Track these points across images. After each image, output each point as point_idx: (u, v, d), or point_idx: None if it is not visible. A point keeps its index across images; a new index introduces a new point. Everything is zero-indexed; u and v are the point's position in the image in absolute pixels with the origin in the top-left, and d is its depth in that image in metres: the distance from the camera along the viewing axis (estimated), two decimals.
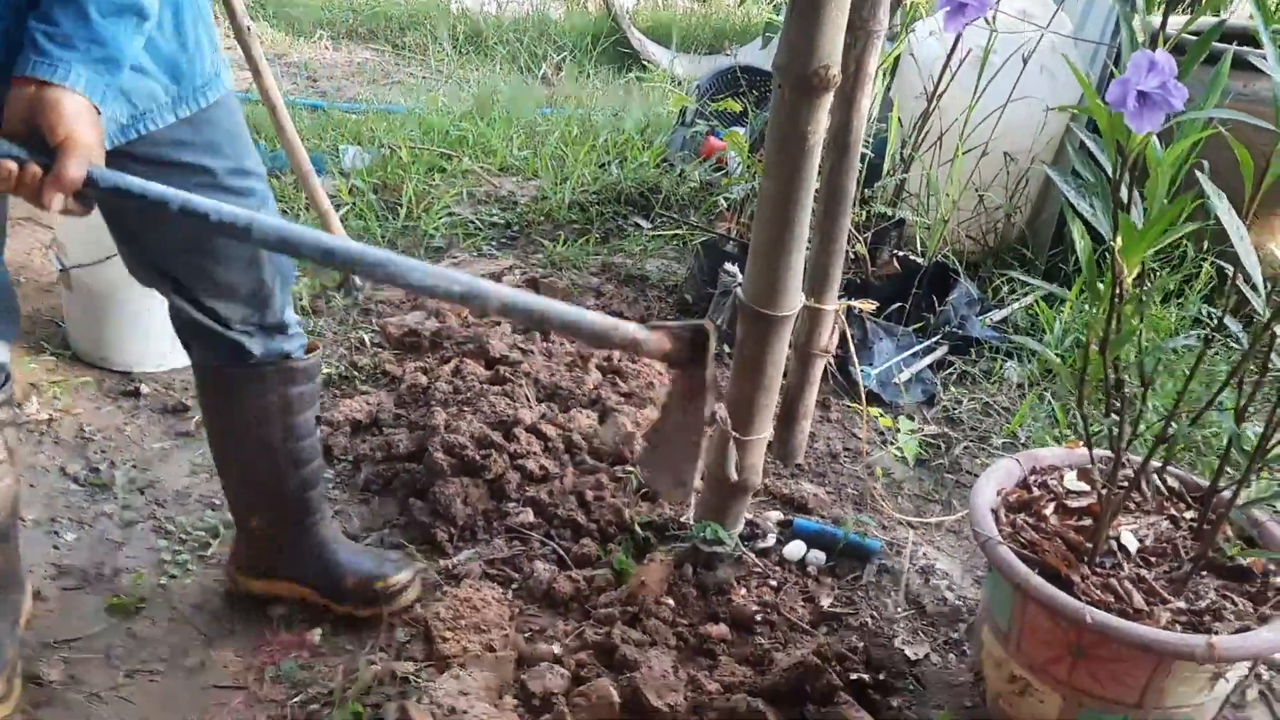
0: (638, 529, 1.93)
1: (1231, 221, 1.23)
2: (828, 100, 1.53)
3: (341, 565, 1.76)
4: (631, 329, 1.29)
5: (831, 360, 2.51)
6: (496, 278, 2.92)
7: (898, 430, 2.29)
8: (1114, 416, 1.40)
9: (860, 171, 2.79)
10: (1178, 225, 1.25)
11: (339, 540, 1.80)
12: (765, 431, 1.81)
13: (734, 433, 1.77)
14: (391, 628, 1.75)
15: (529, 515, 1.98)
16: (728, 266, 2.45)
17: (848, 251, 2.82)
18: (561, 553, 1.91)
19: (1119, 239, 1.20)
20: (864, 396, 2.18)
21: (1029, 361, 2.63)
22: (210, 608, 1.81)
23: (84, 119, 1.16)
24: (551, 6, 5.86)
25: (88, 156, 1.14)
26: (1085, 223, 1.35)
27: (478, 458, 2.06)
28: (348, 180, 3.32)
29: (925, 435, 2.37)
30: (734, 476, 1.79)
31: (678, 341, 1.28)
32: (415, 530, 1.98)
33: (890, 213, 2.85)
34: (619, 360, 2.49)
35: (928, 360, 2.62)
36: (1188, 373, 1.42)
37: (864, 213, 2.82)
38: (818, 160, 1.57)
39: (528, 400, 2.28)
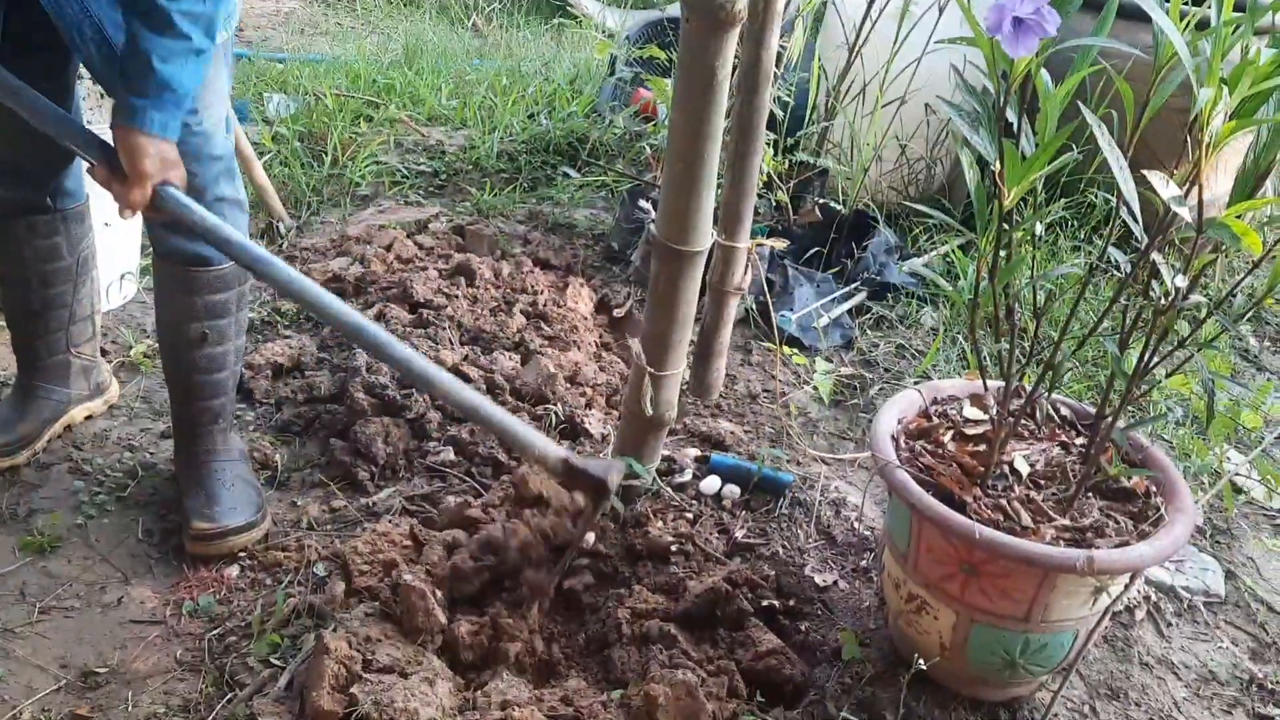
0: None
1: (1112, 151, 1.28)
2: (734, 35, 1.55)
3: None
4: (551, 455, 1.56)
5: (754, 305, 2.56)
6: (423, 225, 2.92)
7: (814, 370, 2.35)
8: (1004, 344, 1.46)
9: (783, 120, 2.84)
10: (1069, 158, 1.30)
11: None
12: (679, 367, 1.84)
13: (649, 368, 1.81)
14: (310, 563, 1.77)
15: (449, 454, 2.00)
16: (642, 203, 2.47)
17: (772, 198, 2.87)
18: (480, 489, 1.94)
19: (1001, 166, 1.25)
20: (779, 337, 2.22)
21: (944, 307, 2.70)
22: (127, 547, 1.81)
23: (150, 154, 1.45)
24: None
25: (149, 183, 1.46)
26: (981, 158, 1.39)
27: (399, 398, 2.08)
28: (271, 128, 3.28)
29: (841, 376, 2.43)
30: (649, 411, 1.82)
31: (578, 485, 1.58)
32: (336, 469, 2.00)
33: (813, 161, 2.90)
34: (543, 305, 2.51)
35: (847, 305, 2.68)
36: (1092, 309, 1.48)
37: (786, 161, 2.86)
38: (726, 95, 1.60)
39: (451, 343, 2.30)
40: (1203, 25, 1.27)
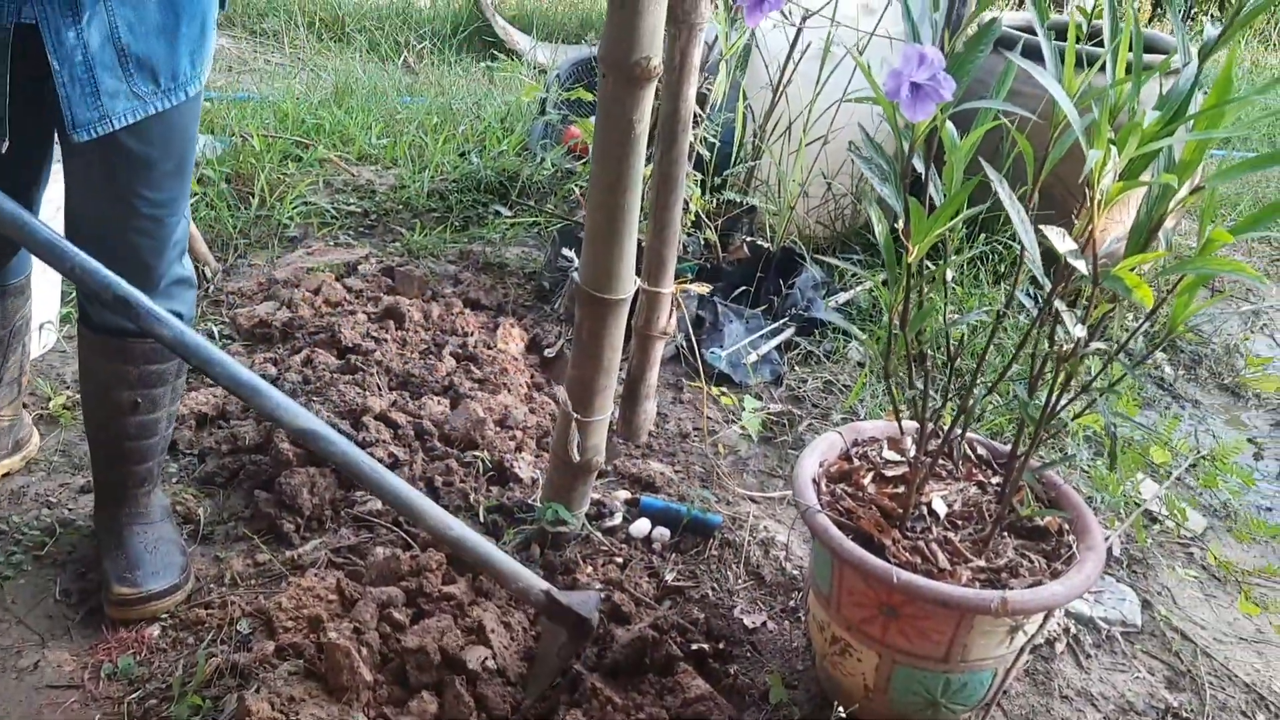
0: (483, 513, 1.96)
1: (1012, 205, 1.32)
2: (651, 90, 1.58)
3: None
4: (533, 590, 1.58)
5: (684, 343, 2.58)
6: (352, 267, 2.90)
7: (743, 408, 2.37)
8: (918, 388, 1.49)
9: (711, 159, 2.88)
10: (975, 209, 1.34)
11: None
12: (606, 412, 1.85)
13: (575, 414, 1.82)
14: (233, 620, 1.74)
15: (377, 503, 1.99)
16: (565, 252, 2.49)
17: (700, 237, 2.90)
18: (409, 540, 1.92)
19: (905, 223, 1.28)
20: (704, 375, 2.26)
21: (869, 342, 2.75)
22: (44, 608, 1.77)
23: None
24: None
25: None
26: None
27: None
28: (198, 170, 3.24)
29: (770, 413, 2.45)
30: (576, 457, 1.83)
31: (559, 620, 1.58)
32: (261, 522, 1.97)
33: (741, 200, 2.94)
34: (474, 347, 2.51)
35: (775, 341, 2.72)
36: (1007, 348, 1.52)
37: (715, 200, 2.90)
38: (644, 148, 1.62)
39: (379, 388, 2.28)
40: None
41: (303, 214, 3.16)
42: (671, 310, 1.90)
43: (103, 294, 1.44)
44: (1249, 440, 2.64)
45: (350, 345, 2.43)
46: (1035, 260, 1.36)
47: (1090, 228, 1.22)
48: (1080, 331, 1.28)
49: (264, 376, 2.35)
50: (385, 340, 2.48)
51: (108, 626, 1.73)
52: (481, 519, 1.96)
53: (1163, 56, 2.96)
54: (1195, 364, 2.98)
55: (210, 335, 2.56)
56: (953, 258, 2.82)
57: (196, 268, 2.82)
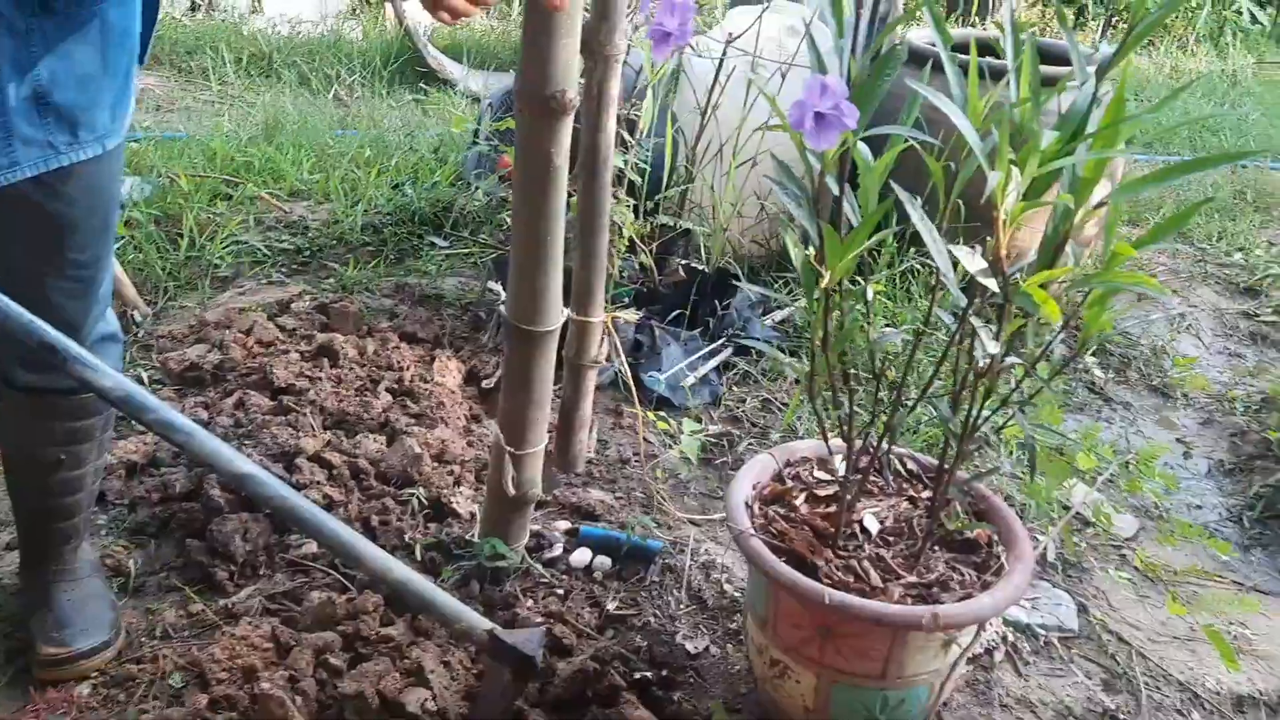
0: (420, 551, 1.94)
1: (924, 225, 1.34)
2: (568, 123, 1.59)
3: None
4: (476, 629, 1.54)
5: (625, 368, 2.58)
6: (285, 305, 2.87)
7: (681, 432, 2.38)
8: (844, 409, 1.51)
9: (642, 184, 2.89)
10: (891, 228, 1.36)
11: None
12: (540, 444, 1.85)
13: (508, 447, 1.81)
14: (165, 674, 1.70)
15: (312, 546, 1.96)
16: (492, 285, 2.49)
17: (635, 261, 2.91)
18: (346, 583, 1.90)
19: (820, 248, 1.30)
20: (638, 400, 2.26)
21: (805, 359, 2.77)
22: None
23: None
24: (348, 26, 5.78)
25: None
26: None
27: None
28: (124, 212, 3.19)
29: (709, 435, 2.46)
30: (512, 491, 1.83)
31: (503, 659, 1.54)
32: (194, 571, 1.94)
33: (674, 224, 2.96)
34: (410, 381, 2.49)
35: (713, 363, 2.73)
36: (931, 364, 1.54)
37: (648, 224, 2.91)
38: (565, 180, 1.63)
39: (313, 428, 2.26)
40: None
41: (234, 253, 3.12)
42: (603, 339, 1.90)
43: (27, 340, 1.39)
44: (1178, 440, 2.70)
45: (283, 385, 2.40)
46: (951, 279, 1.38)
47: (998, 246, 1.24)
48: (994, 348, 1.30)
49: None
50: (319, 379, 2.46)
51: (35, 688, 1.69)
52: (419, 558, 1.94)
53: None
54: (1125, 366, 3.04)
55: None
56: (884, 272, 2.86)
57: (125, 312, 2.79)
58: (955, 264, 1.29)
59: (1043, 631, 1.94)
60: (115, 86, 1.48)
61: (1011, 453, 2.35)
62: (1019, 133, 1.27)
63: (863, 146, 1.39)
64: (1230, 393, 2.92)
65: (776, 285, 3.09)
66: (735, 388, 2.70)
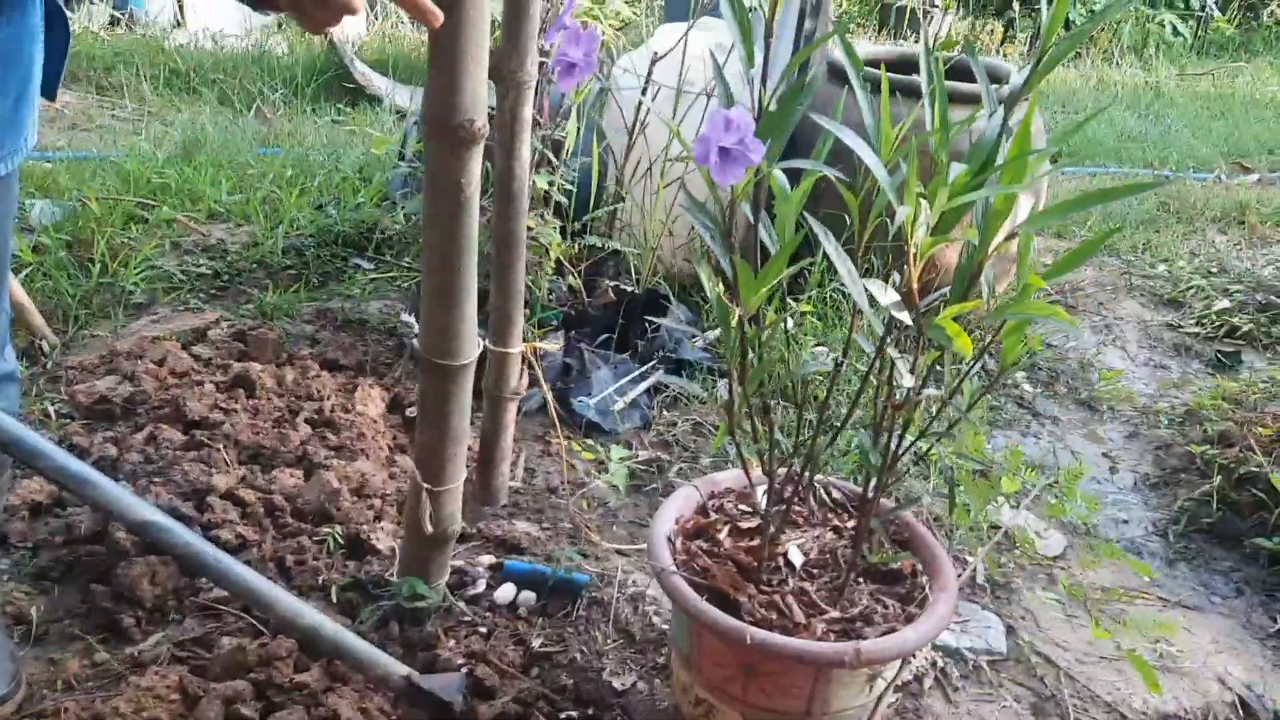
0: (336, 593, 1.88)
1: (839, 257, 1.32)
2: (478, 151, 1.54)
3: None
4: (393, 675, 1.55)
5: (549, 396, 2.54)
6: (201, 333, 2.78)
7: (608, 459, 2.34)
8: (764, 442, 1.48)
9: (569, 205, 2.85)
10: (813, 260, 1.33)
11: None
12: (458, 479, 1.80)
13: (425, 484, 1.76)
14: None
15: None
16: (404, 317, 2.43)
17: (563, 283, 2.87)
18: (259, 628, 1.83)
19: (733, 281, 1.27)
20: (564, 424, 2.21)
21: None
22: None
23: None
24: (274, 42, 5.66)
25: None
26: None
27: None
28: (33, 237, 3.08)
29: (639, 461, 2.43)
30: (429, 528, 1.77)
31: (421, 705, 1.54)
32: (99, 617, 1.85)
33: (603, 244, 2.92)
34: (330, 412, 2.42)
35: (644, 386, 2.70)
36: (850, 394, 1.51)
37: (577, 245, 2.88)
38: (476, 209, 1.58)
39: (226, 464, 2.18)
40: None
41: (148, 279, 3.02)
42: (522, 370, 1.86)
43: None
44: (1105, 454, 2.72)
45: (196, 419, 2.32)
46: (868, 311, 1.36)
47: (910, 280, 1.22)
48: (909, 382, 1.28)
49: (104, 458, 2.23)
50: (235, 410, 2.38)
51: None
52: (335, 599, 1.88)
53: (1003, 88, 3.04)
54: (1053, 380, 3.07)
55: (47, 415, 2.41)
56: (814, 291, 2.85)
57: (33, 342, 2.68)
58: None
59: (971, 655, 1.93)
60: (4, 113, 1.40)
61: (939, 475, 2.34)
62: (933, 164, 1.25)
63: (780, 175, 1.37)
64: (1155, 405, 2.95)
65: (707, 305, 3.06)
66: (666, 411, 2.66)
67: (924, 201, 1.17)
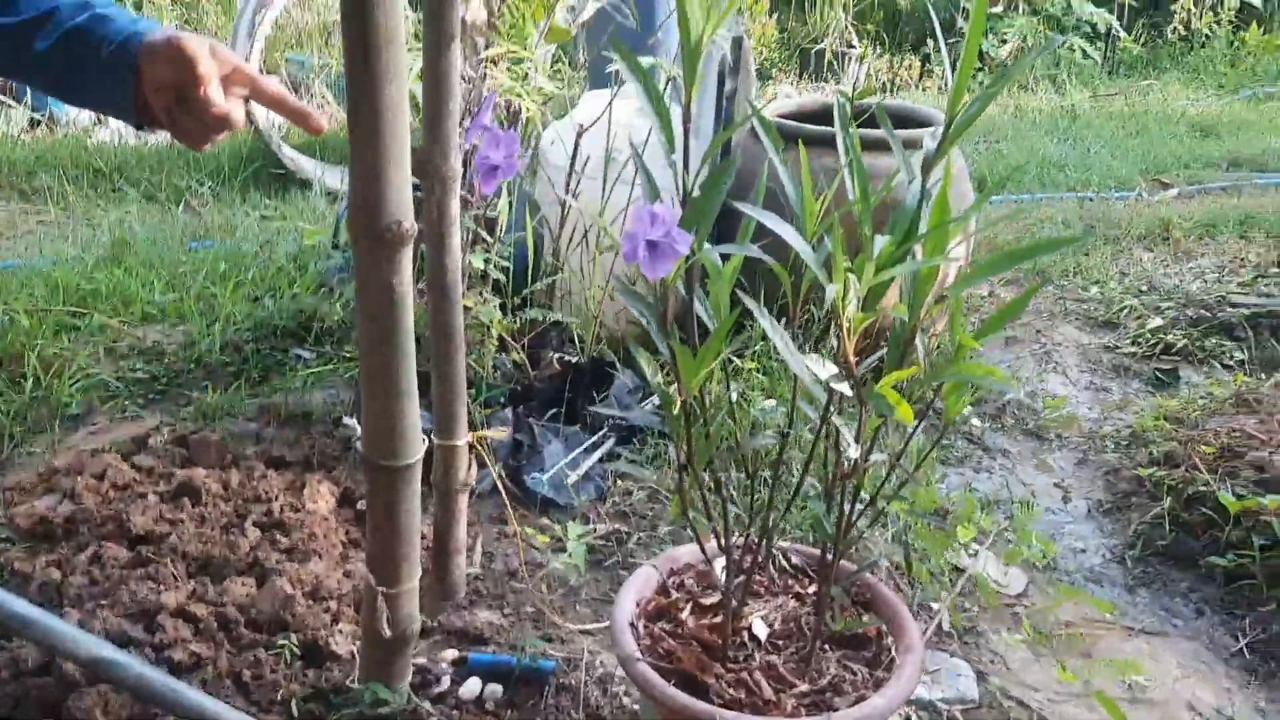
0: (296, 706, 1.83)
1: (775, 331, 1.32)
2: (408, 251, 1.53)
3: None
4: None
5: (499, 481, 2.51)
6: (141, 442, 2.73)
7: (566, 538, 2.32)
8: (718, 521, 1.47)
9: (508, 280, 2.85)
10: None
11: None
12: (414, 579, 1.77)
13: (379, 587, 1.72)
14: None
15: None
16: (347, 420, 2.41)
17: (507, 359, 2.86)
18: None
19: (672, 366, 1.27)
20: (519, 504, 2.19)
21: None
22: None
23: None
24: None
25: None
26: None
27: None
28: None
29: (597, 536, 2.41)
30: (387, 632, 1.73)
31: None
32: None
33: (543, 317, 2.92)
34: (279, 513, 2.37)
35: (596, 456, 2.68)
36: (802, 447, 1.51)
37: (518, 320, 2.87)
38: (410, 306, 1.57)
39: (175, 579, 2.12)
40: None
41: (84, 389, 2.96)
42: (471, 461, 1.84)
43: None
44: (1056, 484, 2.75)
45: (141, 533, 2.26)
46: (804, 377, 1.36)
47: (846, 353, 1.23)
48: (854, 452, 1.29)
49: (47, 583, 2.16)
50: (181, 521, 2.32)
51: None
52: (296, 713, 1.83)
53: (925, 130, 3.10)
54: (1000, 413, 3.11)
55: None
56: (759, 345, 2.86)
57: None
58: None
59: (945, 706, 1.92)
60: None
61: (900, 523, 2.35)
62: (858, 231, 1.27)
63: (713, 254, 1.38)
64: (1101, 430, 3.00)
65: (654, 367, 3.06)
66: (620, 480, 2.65)
67: (852, 276, 1.18)
